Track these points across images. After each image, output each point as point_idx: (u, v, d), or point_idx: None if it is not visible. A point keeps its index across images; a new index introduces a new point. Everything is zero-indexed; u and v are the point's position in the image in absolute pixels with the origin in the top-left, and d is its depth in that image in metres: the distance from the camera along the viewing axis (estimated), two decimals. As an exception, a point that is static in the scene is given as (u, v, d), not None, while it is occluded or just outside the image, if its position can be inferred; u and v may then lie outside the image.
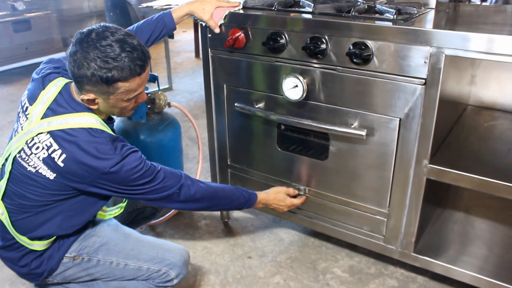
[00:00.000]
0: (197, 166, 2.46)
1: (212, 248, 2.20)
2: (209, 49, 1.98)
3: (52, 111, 1.52)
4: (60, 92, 1.56)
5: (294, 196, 1.97)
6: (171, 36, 4.36)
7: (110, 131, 1.54)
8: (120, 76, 1.45)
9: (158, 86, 2.30)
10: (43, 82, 1.60)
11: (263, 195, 1.88)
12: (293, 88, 1.77)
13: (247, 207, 1.84)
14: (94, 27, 1.47)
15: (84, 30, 1.47)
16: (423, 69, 1.53)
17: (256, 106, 1.92)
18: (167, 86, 4.38)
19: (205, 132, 2.19)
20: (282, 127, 1.94)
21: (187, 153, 2.67)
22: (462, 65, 1.86)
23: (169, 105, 2.40)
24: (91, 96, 1.49)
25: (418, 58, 1.53)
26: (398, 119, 1.64)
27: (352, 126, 1.72)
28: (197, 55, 5.45)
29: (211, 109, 2.10)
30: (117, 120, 2.36)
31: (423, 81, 1.55)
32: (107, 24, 1.50)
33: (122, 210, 1.79)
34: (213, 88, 2.04)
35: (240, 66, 1.92)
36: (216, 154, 2.18)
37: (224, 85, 2.00)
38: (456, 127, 1.95)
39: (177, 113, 2.44)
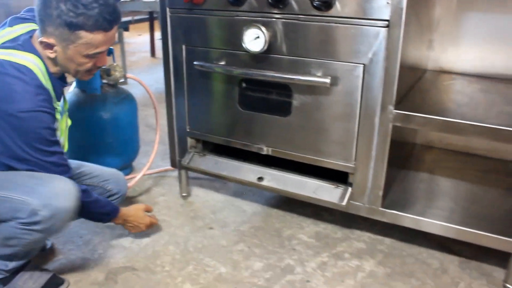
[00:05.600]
0: (153, 146, 2.36)
1: (171, 221, 2.08)
2: (167, 9, 1.91)
3: (3, 45, 1.48)
4: (22, 34, 1.53)
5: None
6: (126, 29, 4.26)
7: (43, 79, 1.47)
8: (85, 24, 1.42)
9: (114, 60, 2.20)
10: (12, 22, 1.59)
11: (124, 211, 1.82)
12: (254, 39, 1.71)
13: (112, 217, 1.77)
14: None
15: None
16: (386, 10, 1.52)
17: (217, 63, 1.85)
18: (122, 80, 4.24)
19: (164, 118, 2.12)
20: (244, 85, 1.87)
21: (143, 137, 2.56)
22: (421, 11, 1.86)
23: (125, 77, 2.31)
24: (51, 40, 1.46)
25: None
26: (362, 65, 1.61)
27: (316, 75, 1.68)
28: (152, 54, 5.36)
29: (169, 74, 2.01)
30: (71, 93, 2.24)
31: (386, 23, 1.53)
32: None
33: None
34: (171, 50, 1.96)
35: (200, 24, 1.86)
36: (175, 122, 2.08)
37: (183, 46, 1.92)
38: (417, 85, 1.94)
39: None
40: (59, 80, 1.61)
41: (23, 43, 1.50)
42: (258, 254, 1.86)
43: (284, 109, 1.81)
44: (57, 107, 1.57)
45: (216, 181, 2.40)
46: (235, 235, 1.97)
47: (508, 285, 1.66)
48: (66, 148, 1.75)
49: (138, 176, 2.29)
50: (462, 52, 2.13)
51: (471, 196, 1.89)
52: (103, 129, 2.25)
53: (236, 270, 1.77)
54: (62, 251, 1.87)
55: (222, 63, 1.85)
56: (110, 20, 1.46)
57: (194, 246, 1.90)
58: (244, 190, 2.32)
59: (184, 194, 2.24)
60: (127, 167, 2.47)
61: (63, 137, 1.71)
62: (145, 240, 1.94)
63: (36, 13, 1.45)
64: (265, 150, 1.89)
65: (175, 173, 2.44)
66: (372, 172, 1.72)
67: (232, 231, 2.00)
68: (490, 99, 1.83)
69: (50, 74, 1.53)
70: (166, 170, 2.53)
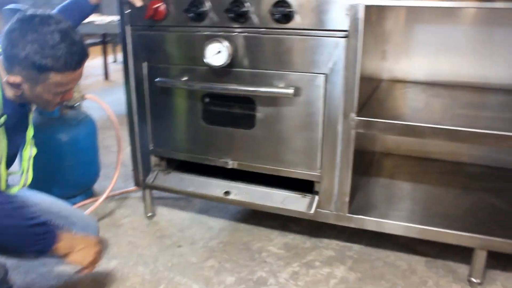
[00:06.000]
0: (115, 168, 2.31)
1: (137, 242, 2.04)
2: (127, 27, 1.90)
3: None
4: None
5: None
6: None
7: None
8: (54, 66, 1.39)
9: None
10: None
11: (66, 233, 1.48)
12: (216, 54, 1.73)
13: (48, 242, 1.41)
14: (39, 12, 1.41)
15: (28, 11, 1.40)
16: (345, 21, 1.58)
17: (179, 79, 1.86)
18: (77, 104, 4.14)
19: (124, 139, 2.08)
20: (207, 100, 1.88)
21: (102, 160, 2.50)
22: (375, 23, 1.94)
23: (83, 97, 2.26)
24: (18, 79, 1.41)
25: (339, 11, 1.57)
26: (324, 75, 1.65)
27: (279, 87, 1.71)
28: (106, 77, 5.28)
29: (130, 92, 2.00)
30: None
31: (345, 33, 1.58)
32: (53, 13, 1.46)
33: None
34: (132, 68, 1.95)
35: (161, 41, 1.86)
36: (137, 141, 2.06)
37: (144, 64, 1.92)
38: (374, 94, 2.00)
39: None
40: (20, 107, 1.55)
41: None
42: (229, 268, 1.84)
43: (248, 122, 1.83)
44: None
45: (181, 199, 2.38)
46: (205, 252, 1.95)
47: (472, 279, 1.72)
48: (29, 180, 1.68)
49: (100, 198, 2.23)
50: (414, 61, 2.22)
51: (431, 197, 1.95)
52: (62, 152, 2.19)
53: (208, 286, 1.74)
54: (25, 281, 1.79)
55: (184, 78, 1.85)
56: (78, 60, 1.44)
57: (164, 265, 1.87)
58: (209, 207, 2.31)
59: (149, 214, 2.21)
60: (87, 190, 2.40)
61: (25, 166, 1.67)
62: (112, 263, 1.89)
63: (2, 51, 1.40)
64: (231, 164, 1.90)
65: (138, 194, 2.41)
66: (337, 179, 1.75)
67: (201, 248, 1.98)
68: (443, 103, 1.92)
69: (8, 102, 1.47)
70: (128, 191, 2.48)
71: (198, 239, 2.05)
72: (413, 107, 1.90)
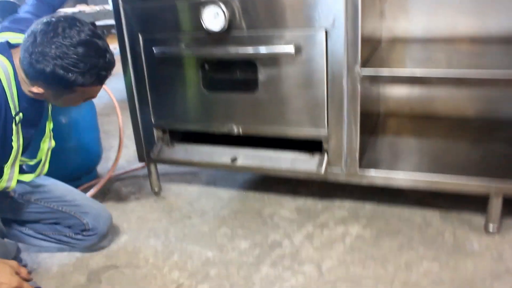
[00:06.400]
0: (118, 147, 2.28)
1: (146, 216, 2.01)
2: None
3: None
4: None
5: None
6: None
7: (5, 84, 1.39)
8: (81, 82, 1.36)
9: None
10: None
11: None
12: (214, 18, 1.69)
13: None
14: (61, 19, 1.35)
15: (50, 20, 1.34)
16: (343, -27, 1.54)
17: (177, 47, 1.82)
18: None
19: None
20: (206, 67, 1.84)
21: (103, 145, 2.48)
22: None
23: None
24: (42, 91, 1.40)
25: (337, -37, 1.53)
26: (324, 31, 1.61)
27: (280, 45, 1.67)
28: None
29: (127, 66, 1.95)
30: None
31: (344, -15, 1.55)
32: (74, 17, 1.39)
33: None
34: (127, 42, 1.91)
35: (155, 10, 1.81)
36: (139, 116, 2.02)
37: (140, 35, 1.87)
38: (376, 53, 1.97)
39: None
40: (38, 101, 1.52)
41: (2, 46, 1.43)
42: (242, 234, 1.82)
43: (250, 85, 1.79)
44: (16, 118, 1.47)
45: (187, 174, 2.35)
46: (216, 221, 1.93)
47: (489, 227, 1.70)
48: (45, 171, 1.71)
49: (105, 177, 2.21)
50: (412, 18, 2.18)
51: (441, 150, 1.93)
52: (63, 134, 2.15)
53: (223, 252, 1.72)
54: (36, 261, 1.77)
55: (183, 46, 1.81)
56: (106, 74, 1.42)
57: (176, 236, 1.85)
58: (216, 178, 2.28)
59: (156, 190, 2.18)
60: (91, 172, 2.37)
61: (42, 157, 1.67)
62: (123, 238, 1.87)
63: (25, 64, 1.36)
64: (236, 130, 1.86)
65: (143, 172, 2.38)
66: (346, 135, 1.72)
67: (212, 218, 1.96)
68: (446, 55, 1.88)
69: (18, 85, 1.44)
70: (134, 170, 2.45)
71: (208, 209, 2.02)
72: (417, 59, 1.87)
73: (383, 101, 2.34)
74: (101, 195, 2.20)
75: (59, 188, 1.78)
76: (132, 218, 2.01)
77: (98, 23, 4.70)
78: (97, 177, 2.40)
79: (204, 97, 1.87)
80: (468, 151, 1.90)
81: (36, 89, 1.40)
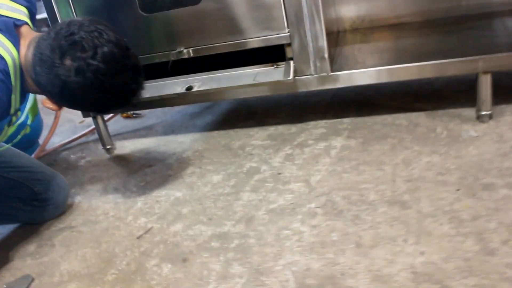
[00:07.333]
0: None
1: (101, 175, 1.75)
2: None
3: None
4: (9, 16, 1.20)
5: None
6: None
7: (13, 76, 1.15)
8: (103, 110, 1.34)
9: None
10: None
11: None
12: None
13: None
14: (82, 35, 1.13)
15: (71, 30, 1.13)
16: None
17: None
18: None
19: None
20: (140, -16, 1.59)
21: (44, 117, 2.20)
22: None
23: None
24: (56, 107, 1.23)
25: None
26: None
27: None
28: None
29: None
30: None
31: None
32: (99, 26, 1.17)
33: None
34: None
35: None
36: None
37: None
38: None
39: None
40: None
41: (7, 28, 1.17)
42: (213, 169, 1.58)
43: (192, -2, 1.55)
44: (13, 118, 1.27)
45: (140, 129, 2.09)
46: (180, 163, 1.68)
47: (482, 112, 1.52)
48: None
49: (42, 145, 1.93)
50: None
51: (418, 43, 1.74)
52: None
53: (193, 190, 1.48)
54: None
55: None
56: (131, 100, 1.26)
57: (137, 185, 1.59)
58: (174, 128, 2.03)
59: (108, 147, 1.89)
60: (34, 144, 2.07)
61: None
62: (76, 199, 1.60)
63: (40, 81, 1.16)
64: (185, 53, 1.61)
65: (91, 139, 2.10)
66: (310, 33, 1.50)
67: (175, 161, 1.71)
68: None
69: (22, 79, 1.19)
70: (80, 137, 2.15)
71: (169, 155, 1.77)
72: None
73: (341, 19, 2.14)
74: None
75: (4, 152, 1.46)
76: (84, 179, 1.74)
77: None
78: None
79: (143, 20, 1.61)
80: (444, 41, 1.71)
81: (52, 106, 1.22)
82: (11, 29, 1.18)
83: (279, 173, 1.46)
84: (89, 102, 1.19)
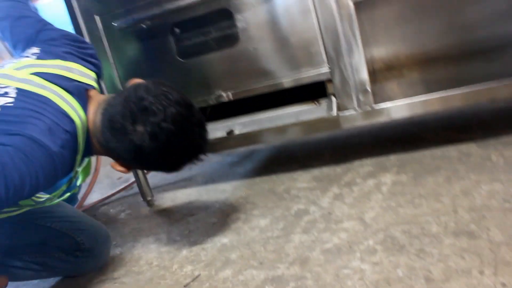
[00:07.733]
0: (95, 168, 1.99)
1: (142, 226, 1.69)
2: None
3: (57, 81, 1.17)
4: (79, 81, 1.22)
5: None
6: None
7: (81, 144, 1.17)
8: (182, 165, 1.27)
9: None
10: (67, 56, 1.26)
11: None
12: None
13: None
14: (151, 100, 1.14)
15: (139, 95, 1.16)
16: None
17: (140, 14, 1.58)
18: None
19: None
20: (177, 30, 1.60)
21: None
22: None
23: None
24: (125, 170, 1.25)
25: None
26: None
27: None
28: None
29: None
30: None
31: None
32: (163, 88, 1.20)
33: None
34: (84, 27, 1.66)
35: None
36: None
37: (97, 17, 1.63)
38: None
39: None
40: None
41: (79, 92, 1.19)
42: (259, 214, 1.51)
43: (229, 38, 1.55)
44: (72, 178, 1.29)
45: (179, 181, 2.05)
46: (224, 210, 1.62)
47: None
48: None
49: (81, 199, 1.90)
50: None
51: (461, 72, 1.66)
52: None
53: (240, 235, 1.41)
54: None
55: (147, 13, 1.57)
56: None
57: (180, 234, 1.53)
58: (214, 177, 1.98)
59: (148, 199, 1.85)
60: (72, 200, 2.05)
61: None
62: (117, 250, 1.54)
63: (110, 146, 1.18)
64: (225, 96, 1.60)
65: (132, 191, 2.07)
66: (350, 66, 1.47)
67: (218, 209, 1.65)
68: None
69: (88, 141, 1.21)
70: (119, 192, 2.13)
71: (212, 203, 1.71)
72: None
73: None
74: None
75: (50, 206, 1.40)
76: (125, 231, 1.69)
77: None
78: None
79: (181, 66, 1.61)
80: (488, 67, 1.66)
81: (121, 169, 1.24)
82: (82, 93, 1.19)
83: (330, 213, 1.38)
84: (162, 163, 1.21)
